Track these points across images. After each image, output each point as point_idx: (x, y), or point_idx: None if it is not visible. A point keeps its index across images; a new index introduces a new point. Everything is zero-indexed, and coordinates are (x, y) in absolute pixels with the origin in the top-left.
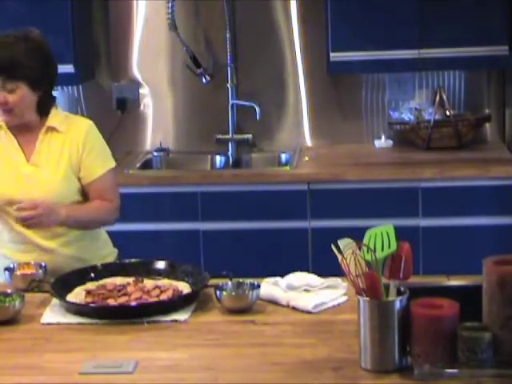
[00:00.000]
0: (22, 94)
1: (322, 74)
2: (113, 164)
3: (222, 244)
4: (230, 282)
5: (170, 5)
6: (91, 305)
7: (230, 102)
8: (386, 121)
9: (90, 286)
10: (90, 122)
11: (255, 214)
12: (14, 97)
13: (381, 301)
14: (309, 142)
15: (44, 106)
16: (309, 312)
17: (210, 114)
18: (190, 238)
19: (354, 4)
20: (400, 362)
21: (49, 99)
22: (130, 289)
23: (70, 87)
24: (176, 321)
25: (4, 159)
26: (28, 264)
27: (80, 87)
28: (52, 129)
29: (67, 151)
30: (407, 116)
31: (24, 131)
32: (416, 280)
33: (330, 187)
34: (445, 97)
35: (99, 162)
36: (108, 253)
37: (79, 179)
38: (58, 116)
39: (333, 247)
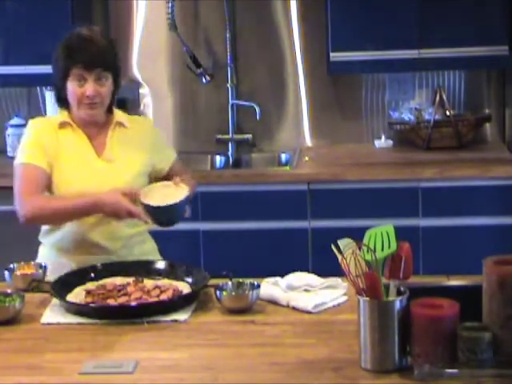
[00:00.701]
0: (109, 86)
1: (322, 73)
2: (173, 150)
3: (221, 244)
4: (230, 282)
5: (169, 5)
6: (91, 305)
7: (230, 102)
8: (386, 121)
9: (90, 286)
10: (149, 118)
11: (255, 214)
12: (104, 88)
13: (381, 301)
14: (309, 142)
15: (112, 102)
16: (309, 312)
17: (210, 114)
18: (190, 238)
19: (354, 4)
20: (400, 362)
21: (115, 95)
22: (129, 289)
23: None
24: (176, 321)
25: (75, 155)
26: (28, 264)
27: None
28: (120, 124)
29: (139, 147)
30: (407, 116)
31: (91, 127)
32: (416, 280)
33: (330, 187)
34: (445, 97)
35: (169, 150)
36: (157, 258)
37: (155, 171)
38: (121, 113)
39: (333, 247)
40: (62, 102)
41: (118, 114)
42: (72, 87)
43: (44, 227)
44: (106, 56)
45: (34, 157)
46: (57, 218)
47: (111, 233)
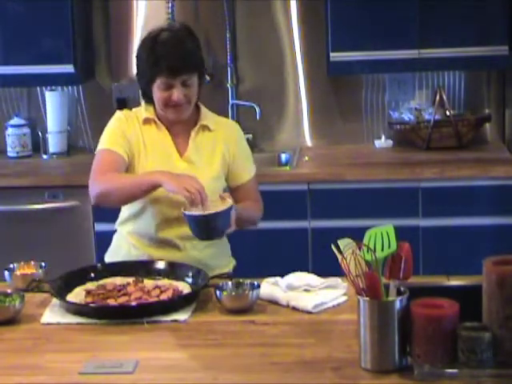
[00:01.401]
0: (195, 86)
1: (322, 74)
2: (255, 168)
3: None
4: (230, 282)
5: (169, 5)
6: (91, 305)
7: (230, 102)
8: (386, 121)
9: (90, 286)
10: (237, 124)
11: None
12: (190, 90)
13: (381, 301)
14: (309, 142)
15: (198, 98)
16: (309, 312)
17: None
18: None
19: (353, 4)
20: (400, 362)
21: (201, 89)
22: (129, 289)
23: (70, 87)
24: (176, 321)
25: (159, 153)
26: (28, 264)
27: (80, 87)
28: (205, 127)
29: (220, 151)
30: (407, 116)
31: (176, 126)
32: (416, 280)
33: (330, 187)
34: (445, 97)
35: (249, 165)
36: (229, 261)
37: (226, 180)
38: (208, 114)
39: (333, 247)
40: (148, 98)
41: (205, 116)
42: (158, 92)
43: (124, 214)
44: (190, 59)
45: (113, 143)
46: (121, 191)
47: (183, 232)
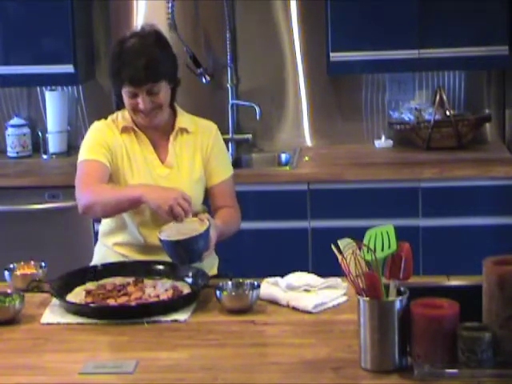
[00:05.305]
0: (164, 91)
1: (321, 74)
2: (232, 170)
3: (221, 244)
4: (230, 282)
5: (169, 5)
6: (91, 305)
7: (230, 102)
8: (386, 121)
9: (90, 286)
10: (215, 125)
11: (255, 213)
12: (157, 97)
13: (381, 301)
14: (309, 142)
15: (172, 101)
16: (309, 312)
17: (210, 114)
18: None
19: (353, 4)
20: (400, 362)
21: (175, 92)
22: (130, 289)
23: (70, 87)
24: (176, 321)
25: (140, 161)
26: (28, 264)
27: (80, 87)
28: (183, 130)
29: (199, 153)
30: (407, 116)
31: (154, 132)
32: (416, 280)
33: (330, 187)
34: (445, 97)
35: (225, 165)
36: (214, 261)
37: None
38: (185, 116)
39: (333, 247)
40: (122, 102)
41: (182, 119)
42: (126, 99)
43: (106, 227)
44: (155, 68)
45: (94, 153)
46: (106, 206)
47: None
